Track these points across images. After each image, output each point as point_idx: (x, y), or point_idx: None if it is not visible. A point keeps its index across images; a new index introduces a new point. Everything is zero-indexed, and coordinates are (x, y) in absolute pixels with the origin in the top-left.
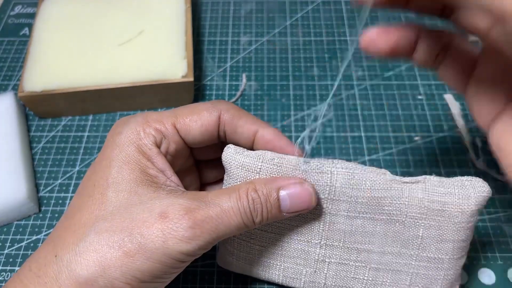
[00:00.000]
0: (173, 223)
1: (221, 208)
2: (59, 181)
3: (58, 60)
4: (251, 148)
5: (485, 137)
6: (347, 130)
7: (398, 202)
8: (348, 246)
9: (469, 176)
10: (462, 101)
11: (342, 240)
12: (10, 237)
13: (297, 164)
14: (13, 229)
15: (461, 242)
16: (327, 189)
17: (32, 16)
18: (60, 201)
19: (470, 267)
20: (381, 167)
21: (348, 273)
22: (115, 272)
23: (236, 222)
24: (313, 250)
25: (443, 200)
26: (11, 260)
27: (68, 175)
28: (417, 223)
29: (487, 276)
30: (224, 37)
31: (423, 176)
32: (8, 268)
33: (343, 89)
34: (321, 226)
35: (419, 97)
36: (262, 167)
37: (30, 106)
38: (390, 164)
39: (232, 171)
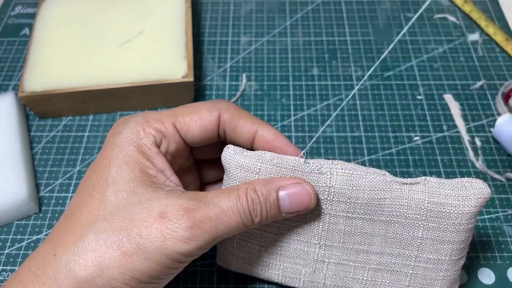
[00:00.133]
0: (172, 223)
1: (220, 208)
2: (60, 181)
3: (58, 60)
4: (251, 147)
5: (485, 137)
6: (347, 130)
7: (398, 204)
8: (347, 246)
9: (470, 178)
10: (461, 101)
11: (341, 240)
12: (11, 237)
13: (296, 164)
14: (13, 229)
15: (461, 244)
16: (326, 190)
17: (32, 16)
18: (61, 201)
19: (469, 267)
20: (381, 167)
21: (347, 273)
22: (113, 272)
23: (235, 222)
24: (312, 250)
25: (443, 201)
26: (11, 260)
27: (68, 175)
28: (417, 225)
29: (486, 276)
30: (224, 37)
31: (423, 178)
32: (8, 268)
33: (343, 89)
34: (320, 226)
35: (419, 97)
36: (261, 168)
37: (31, 106)
38: (390, 164)
39: (231, 171)
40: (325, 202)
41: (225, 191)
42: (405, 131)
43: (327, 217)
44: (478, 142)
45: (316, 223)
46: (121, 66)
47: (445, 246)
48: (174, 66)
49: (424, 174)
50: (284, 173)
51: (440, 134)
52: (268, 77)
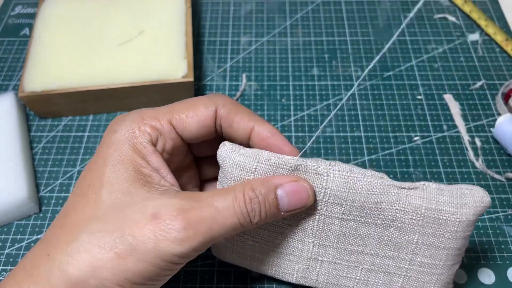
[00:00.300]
0: (166, 224)
1: (216, 209)
2: (60, 181)
3: (58, 60)
4: (247, 144)
5: (485, 137)
6: (347, 130)
7: (395, 208)
8: (342, 247)
9: (470, 185)
10: (461, 101)
11: (335, 241)
12: (11, 237)
13: (293, 164)
14: (13, 229)
15: (456, 250)
16: (322, 191)
17: (32, 16)
18: (61, 201)
19: (469, 267)
20: (381, 167)
21: (340, 272)
22: (106, 273)
23: (232, 223)
24: (306, 248)
25: (440, 208)
26: (11, 260)
27: (68, 175)
28: (413, 229)
29: (486, 275)
30: (224, 37)
31: (422, 183)
32: (8, 268)
33: (343, 89)
34: (315, 226)
35: (419, 97)
36: (257, 167)
37: (31, 106)
38: (390, 164)
39: (226, 169)
40: (320, 203)
41: (221, 191)
42: (405, 131)
43: (322, 217)
44: (478, 142)
45: (311, 223)
46: (121, 66)
47: (440, 252)
48: (174, 66)
49: (424, 174)
50: (280, 173)
51: (440, 134)
52: (268, 77)
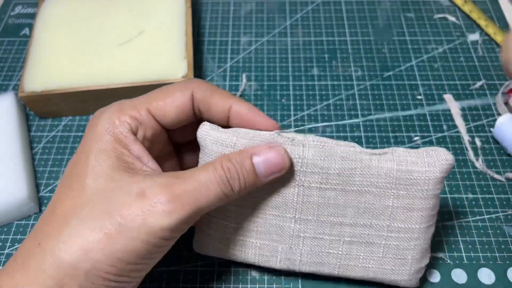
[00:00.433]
0: (151, 200)
1: (199, 181)
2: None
3: (58, 60)
4: (227, 125)
5: (485, 137)
6: (347, 130)
7: (368, 173)
8: (322, 219)
9: (434, 146)
10: (461, 101)
11: (315, 213)
12: (11, 237)
13: (270, 137)
14: (13, 229)
15: (429, 211)
16: (299, 161)
17: (32, 16)
18: None
19: (469, 267)
20: None
21: (323, 247)
22: (98, 255)
23: (215, 192)
24: (287, 225)
25: (410, 169)
26: None
27: None
28: (387, 193)
29: (486, 276)
30: (224, 37)
31: (391, 148)
32: None
33: (343, 89)
34: (294, 199)
35: (419, 97)
36: (236, 142)
37: (31, 106)
38: None
39: (207, 146)
40: (298, 174)
41: (202, 167)
42: (405, 131)
43: (301, 189)
44: (478, 142)
45: (291, 196)
46: (121, 66)
47: (415, 214)
48: (174, 66)
49: None
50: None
51: (440, 134)
52: (268, 77)
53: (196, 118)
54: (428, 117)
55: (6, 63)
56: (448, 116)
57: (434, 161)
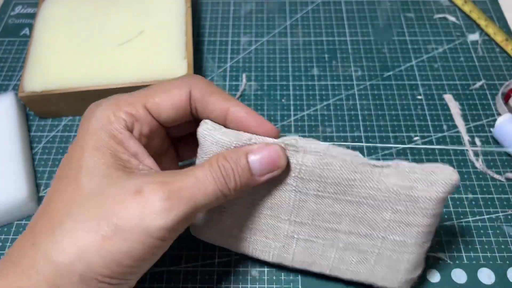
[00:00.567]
0: (148, 198)
1: (196, 178)
2: None
3: (58, 60)
4: (224, 125)
5: (485, 137)
6: (347, 130)
7: (367, 186)
8: (317, 224)
9: (440, 163)
10: (461, 101)
11: (310, 218)
12: (11, 237)
13: (271, 142)
14: (13, 229)
15: (427, 228)
16: (298, 167)
17: (32, 16)
18: None
19: (469, 267)
20: None
21: (316, 250)
22: (93, 257)
23: (212, 189)
24: (282, 225)
25: (412, 185)
26: None
27: None
28: (385, 207)
29: (486, 276)
30: (224, 37)
31: (395, 161)
32: None
33: (343, 89)
34: (290, 203)
35: (419, 97)
36: (237, 145)
37: (31, 106)
38: None
39: (206, 145)
40: (296, 180)
41: (199, 165)
42: (405, 131)
43: (298, 194)
44: (478, 142)
45: (287, 200)
46: (121, 66)
47: (412, 229)
48: (174, 66)
49: None
50: None
51: (440, 134)
52: (268, 77)
53: (193, 117)
54: (428, 117)
55: (6, 63)
56: (448, 116)
57: (437, 179)
